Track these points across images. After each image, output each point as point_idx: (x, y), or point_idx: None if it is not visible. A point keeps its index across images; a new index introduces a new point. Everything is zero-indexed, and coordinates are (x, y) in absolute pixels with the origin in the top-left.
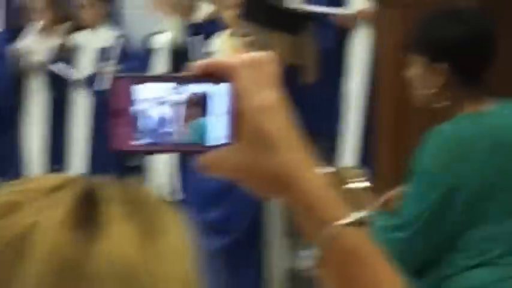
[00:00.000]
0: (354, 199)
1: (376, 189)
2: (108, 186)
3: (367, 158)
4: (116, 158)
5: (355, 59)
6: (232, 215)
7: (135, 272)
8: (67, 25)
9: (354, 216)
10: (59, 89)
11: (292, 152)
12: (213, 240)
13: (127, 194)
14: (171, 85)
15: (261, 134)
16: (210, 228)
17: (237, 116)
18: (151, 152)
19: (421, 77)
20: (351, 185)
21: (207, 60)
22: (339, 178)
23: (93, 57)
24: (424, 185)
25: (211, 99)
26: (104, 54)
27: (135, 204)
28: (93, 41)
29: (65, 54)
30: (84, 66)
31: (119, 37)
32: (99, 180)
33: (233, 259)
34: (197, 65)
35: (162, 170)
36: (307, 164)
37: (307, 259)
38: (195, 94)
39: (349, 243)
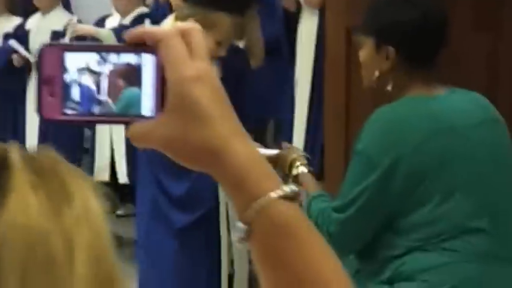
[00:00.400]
0: (296, 183)
1: (326, 169)
2: (19, 154)
3: (318, 142)
4: (71, 138)
5: (303, 43)
6: (197, 192)
7: (42, 239)
8: (20, 9)
9: (286, 189)
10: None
11: (222, 123)
12: (176, 218)
13: (37, 163)
14: (102, 55)
15: (190, 105)
16: (173, 206)
17: (165, 87)
18: (82, 123)
19: (369, 59)
20: (294, 171)
21: (138, 30)
22: (283, 160)
23: (46, 40)
24: (362, 166)
25: (142, 69)
26: (56, 37)
27: (45, 172)
28: (45, 25)
29: (19, 38)
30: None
31: (70, 20)
32: (11, 147)
33: (194, 238)
34: (128, 34)
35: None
36: (237, 135)
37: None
38: (126, 64)
39: (279, 217)
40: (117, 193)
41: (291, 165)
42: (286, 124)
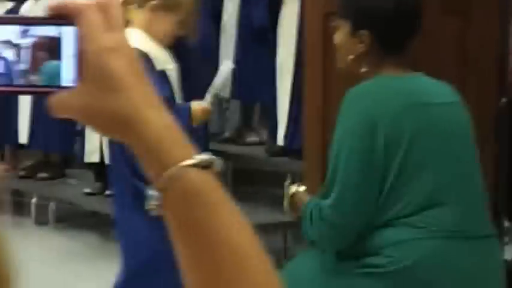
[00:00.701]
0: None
1: (306, 151)
2: None
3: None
4: (63, 120)
5: (285, 29)
6: None
7: None
8: None
9: (198, 158)
10: None
11: (136, 93)
12: None
13: None
14: (23, 27)
15: (105, 75)
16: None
17: (83, 57)
18: (4, 93)
19: (344, 42)
20: (289, 191)
21: (58, 2)
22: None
23: None
24: (343, 140)
25: (63, 41)
26: None
27: None
28: (37, 11)
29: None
30: None
31: None
32: None
33: None
34: (49, 7)
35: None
36: (151, 105)
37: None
38: (47, 36)
39: (191, 185)
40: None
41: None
42: (272, 109)
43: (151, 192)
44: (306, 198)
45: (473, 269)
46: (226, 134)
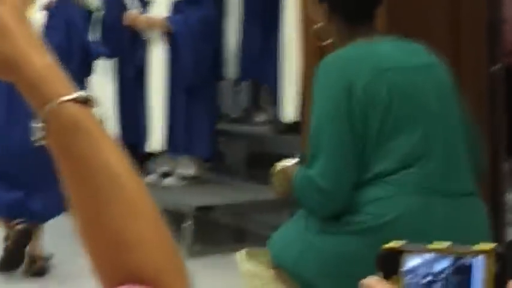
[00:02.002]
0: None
1: (304, 125)
2: None
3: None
4: None
5: (287, 11)
6: None
7: None
8: None
9: (77, 94)
10: None
11: (20, 37)
12: None
13: None
14: None
15: None
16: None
17: None
18: None
19: (312, 12)
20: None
21: None
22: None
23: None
24: (320, 104)
25: None
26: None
27: None
28: None
29: None
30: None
31: None
32: None
33: None
34: None
35: None
36: (34, 47)
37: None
38: None
39: (70, 117)
40: None
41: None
42: (272, 87)
43: (36, 125)
44: (295, 170)
45: (456, 224)
46: (235, 115)
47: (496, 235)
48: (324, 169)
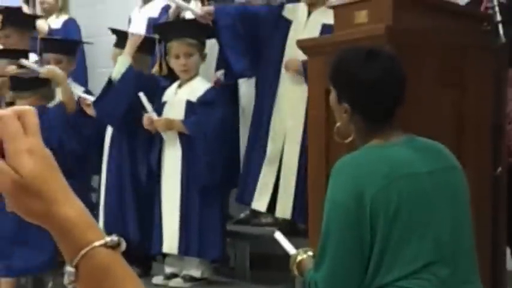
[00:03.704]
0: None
1: (311, 223)
2: None
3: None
4: None
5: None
6: None
7: None
8: None
9: (107, 239)
10: None
11: (52, 190)
12: None
13: None
14: None
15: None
16: None
17: (5, 157)
18: None
19: (333, 107)
20: (298, 257)
21: None
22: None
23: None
24: (332, 212)
25: None
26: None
27: None
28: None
29: None
30: None
31: None
32: None
33: None
34: None
35: None
36: (64, 195)
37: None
38: None
39: (101, 261)
40: None
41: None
42: None
43: (68, 269)
44: (310, 264)
45: None
46: (242, 215)
47: None
48: (329, 277)
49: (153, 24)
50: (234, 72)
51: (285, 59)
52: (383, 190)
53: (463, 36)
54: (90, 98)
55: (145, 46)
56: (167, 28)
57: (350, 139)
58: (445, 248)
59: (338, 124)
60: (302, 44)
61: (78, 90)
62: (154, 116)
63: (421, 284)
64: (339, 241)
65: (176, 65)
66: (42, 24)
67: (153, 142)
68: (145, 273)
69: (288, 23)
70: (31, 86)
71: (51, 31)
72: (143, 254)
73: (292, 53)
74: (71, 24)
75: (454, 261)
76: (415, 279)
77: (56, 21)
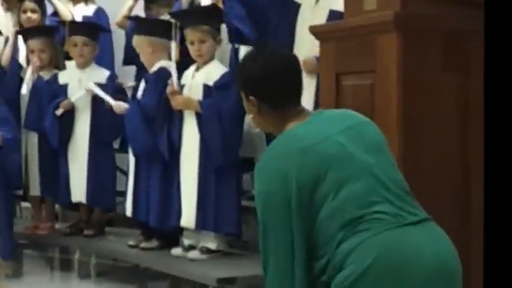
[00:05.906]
0: None
1: None
2: None
3: None
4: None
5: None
6: None
7: None
8: None
9: None
10: None
11: None
12: None
13: None
14: None
15: None
16: None
17: None
18: None
19: (245, 107)
20: None
21: None
22: None
23: None
24: (265, 204)
25: None
26: None
27: None
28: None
29: None
30: None
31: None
32: None
33: None
34: None
35: None
36: None
37: None
38: None
39: None
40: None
41: None
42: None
43: None
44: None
45: (430, 242)
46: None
47: None
48: (273, 275)
49: (169, 13)
50: (247, 38)
51: (297, 41)
52: (302, 163)
53: (469, 21)
54: (111, 101)
55: (164, 31)
56: (182, 16)
57: (270, 130)
58: (381, 187)
59: (251, 116)
60: (314, 30)
61: (101, 77)
62: (176, 86)
63: (376, 220)
64: (278, 233)
65: (192, 50)
66: (64, 9)
67: (173, 119)
68: (165, 245)
69: (296, 6)
70: None
71: (83, 18)
72: (162, 227)
73: (304, 37)
74: (101, 13)
75: (394, 196)
76: (370, 218)
77: (85, 9)
